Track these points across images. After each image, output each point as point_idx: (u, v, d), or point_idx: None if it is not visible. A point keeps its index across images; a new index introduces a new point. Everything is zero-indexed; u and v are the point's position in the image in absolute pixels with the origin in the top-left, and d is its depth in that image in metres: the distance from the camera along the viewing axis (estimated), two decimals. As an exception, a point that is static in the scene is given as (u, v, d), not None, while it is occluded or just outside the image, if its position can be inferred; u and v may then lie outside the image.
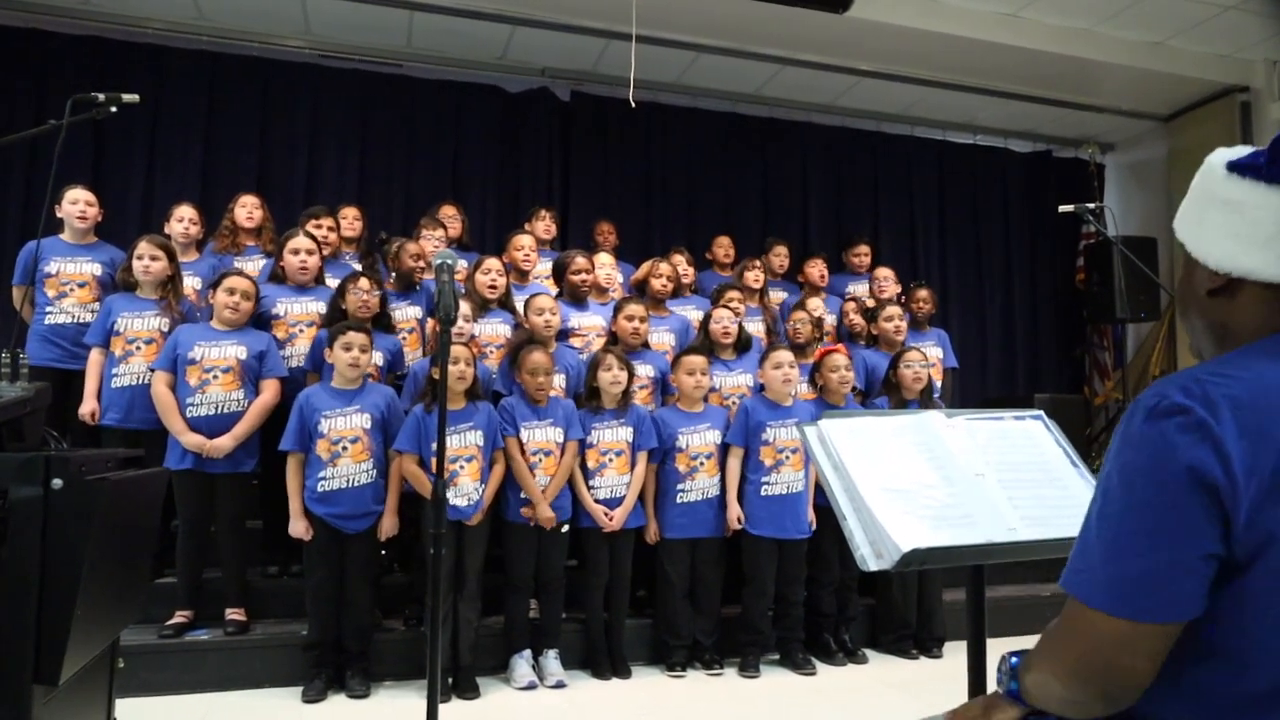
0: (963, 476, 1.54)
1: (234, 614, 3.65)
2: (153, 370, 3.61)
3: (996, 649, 1.28)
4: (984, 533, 1.45)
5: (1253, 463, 0.88)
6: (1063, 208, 4.00)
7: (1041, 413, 1.74)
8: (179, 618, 3.59)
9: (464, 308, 3.91)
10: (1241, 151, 1.05)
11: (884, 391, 4.30)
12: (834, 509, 1.48)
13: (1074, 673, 0.99)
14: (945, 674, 3.86)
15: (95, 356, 3.71)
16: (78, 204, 3.95)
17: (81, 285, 3.89)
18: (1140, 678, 0.94)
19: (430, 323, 4.24)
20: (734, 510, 3.89)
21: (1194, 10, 5.56)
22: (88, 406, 3.66)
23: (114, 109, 2.60)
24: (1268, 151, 1.01)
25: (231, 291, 3.67)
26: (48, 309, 3.85)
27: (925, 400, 4.17)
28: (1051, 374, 7.40)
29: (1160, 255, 6.45)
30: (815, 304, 5.00)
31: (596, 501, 3.77)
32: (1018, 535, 1.46)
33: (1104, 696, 0.97)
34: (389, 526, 3.56)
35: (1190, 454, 0.89)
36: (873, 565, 1.39)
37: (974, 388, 6.98)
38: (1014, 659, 1.13)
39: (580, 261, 4.46)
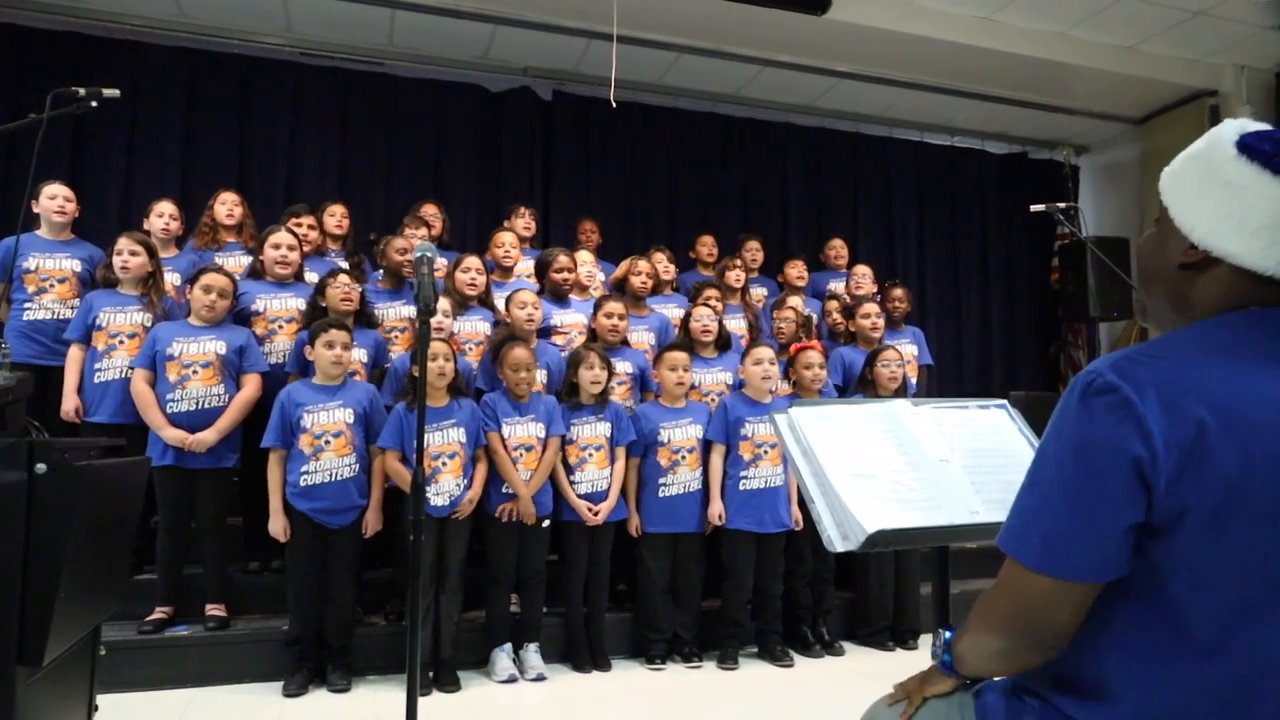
0: (927, 462, 1.59)
1: (214, 609, 3.65)
2: (132, 368, 3.61)
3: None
4: (947, 515, 1.50)
5: (1171, 436, 0.93)
6: (1034, 207, 4.08)
7: (1005, 402, 1.79)
8: (159, 613, 3.59)
9: (443, 304, 3.94)
10: (1252, 127, 1.04)
11: (860, 388, 4.36)
12: (802, 493, 1.53)
13: (1006, 623, 1.07)
14: (920, 665, 3.90)
15: (74, 353, 3.70)
16: (56, 199, 3.94)
17: (61, 281, 3.88)
18: (1064, 629, 1.02)
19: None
20: (716, 507, 3.93)
21: (1165, 15, 5.66)
22: (70, 403, 3.65)
23: (94, 103, 2.60)
24: None
25: (208, 289, 3.67)
26: (26, 305, 3.83)
27: (900, 392, 4.24)
28: (1027, 372, 7.51)
29: (1132, 256, 6.56)
30: (796, 302, 5.06)
31: (579, 496, 3.81)
32: (980, 518, 1.51)
33: (1035, 645, 1.05)
34: (374, 523, 3.58)
35: (1115, 431, 0.95)
36: (839, 546, 1.44)
37: (951, 385, 7.06)
38: (947, 633, 1.19)
39: (563, 260, 4.49)
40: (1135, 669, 1.00)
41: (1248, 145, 1.01)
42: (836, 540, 1.45)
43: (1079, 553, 0.98)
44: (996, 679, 1.20)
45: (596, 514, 3.80)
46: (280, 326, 3.99)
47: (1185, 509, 0.94)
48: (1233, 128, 1.05)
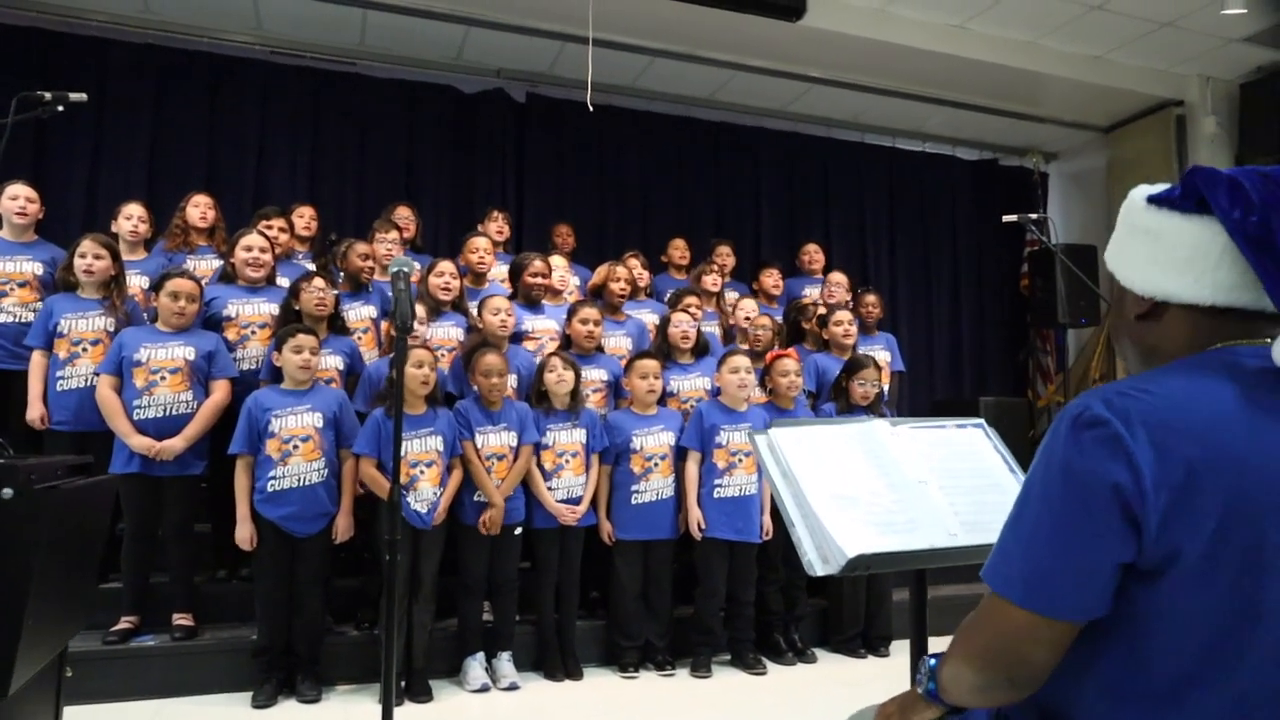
0: (906, 483, 1.60)
1: (181, 619, 3.59)
2: (98, 374, 3.54)
3: (939, 648, 1.33)
4: (926, 538, 1.51)
5: (1161, 477, 0.93)
6: (1006, 218, 4.12)
7: (982, 421, 1.81)
8: (124, 623, 3.52)
9: (419, 310, 3.90)
10: (1160, 187, 1.13)
11: (833, 397, 4.37)
12: (783, 516, 1.53)
13: (983, 657, 1.06)
14: (892, 672, 3.96)
15: (37, 359, 3.62)
16: (18, 199, 3.84)
17: (22, 284, 3.79)
18: (1041, 667, 1.02)
19: (385, 324, 4.23)
20: (695, 515, 3.92)
21: (1133, 26, 5.75)
22: (35, 411, 3.57)
23: (60, 108, 2.55)
24: (1180, 185, 1.09)
25: (175, 296, 3.60)
26: (-14, 309, 3.74)
27: (874, 406, 4.26)
28: (997, 377, 7.60)
29: (1100, 262, 6.65)
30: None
31: (555, 503, 3.79)
32: (958, 540, 1.52)
33: (1010, 681, 1.04)
34: (344, 528, 3.53)
35: (1105, 466, 0.95)
36: (820, 570, 1.45)
37: (921, 390, 7.13)
38: (932, 660, 1.19)
39: (538, 264, 4.47)
40: (1115, 710, 1.00)
41: (1154, 197, 1.11)
42: (817, 564, 1.45)
43: (1063, 589, 0.98)
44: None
45: (574, 514, 3.80)
46: (253, 332, 3.93)
47: (1177, 553, 0.93)
48: (1141, 190, 1.14)
